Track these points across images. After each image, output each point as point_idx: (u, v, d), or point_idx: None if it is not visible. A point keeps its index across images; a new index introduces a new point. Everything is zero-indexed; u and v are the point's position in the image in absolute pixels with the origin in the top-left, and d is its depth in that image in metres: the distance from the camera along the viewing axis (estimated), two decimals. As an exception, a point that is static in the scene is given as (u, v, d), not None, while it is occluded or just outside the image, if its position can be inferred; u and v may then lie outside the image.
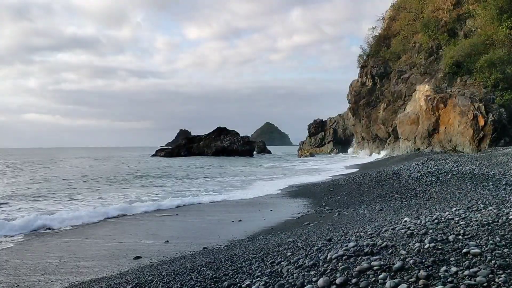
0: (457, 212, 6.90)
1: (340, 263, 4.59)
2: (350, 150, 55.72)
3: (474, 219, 5.82)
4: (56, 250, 8.97)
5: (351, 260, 4.65)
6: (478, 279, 3.58)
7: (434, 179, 14.69)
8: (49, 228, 11.32)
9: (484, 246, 4.38)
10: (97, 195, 18.75)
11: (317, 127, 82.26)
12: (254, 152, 79.99)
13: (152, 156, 75.89)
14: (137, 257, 8.06)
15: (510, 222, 5.38)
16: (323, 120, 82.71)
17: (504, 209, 6.64)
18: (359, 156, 50.08)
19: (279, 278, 4.67)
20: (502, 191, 10.91)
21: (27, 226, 11.18)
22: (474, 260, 4.04)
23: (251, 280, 4.91)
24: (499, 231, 4.96)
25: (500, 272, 3.68)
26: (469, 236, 4.88)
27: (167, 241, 9.40)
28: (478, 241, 4.61)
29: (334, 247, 5.66)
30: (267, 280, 4.68)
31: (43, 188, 22.34)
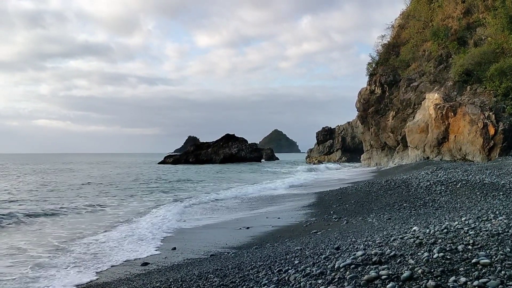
0: (466, 222, 6.83)
1: (348, 272, 4.57)
2: (363, 155, 54.71)
3: (484, 229, 5.76)
4: (65, 256, 9.05)
5: (359, 269, 4.63)
6: (487, 289, 3.55)
7: (443, 188, 14.56)
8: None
9: (494, 257, 4.33)
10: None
11: (326, 134, 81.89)
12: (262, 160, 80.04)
13: (159, 163, 74.96)
14: (145, 264, 8.08)
15: (520, 233, 5.32)
16: (332, 127, 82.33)
17: (514, 219, 6.55)
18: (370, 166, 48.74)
19: (286, 287, 4.65)
20: (513, 201, 10.77)
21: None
22: (483, 270, 4.01)
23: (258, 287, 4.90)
24: (509, 242, 4.91)
25: (510, 283, 3.65)
26: (479, 246, 4.83)
27: (175, 248, 9.41)
28: (487, 251, 4.56)
29: (342, 255, 5.63)
30: (274, 288, 4.67)
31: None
